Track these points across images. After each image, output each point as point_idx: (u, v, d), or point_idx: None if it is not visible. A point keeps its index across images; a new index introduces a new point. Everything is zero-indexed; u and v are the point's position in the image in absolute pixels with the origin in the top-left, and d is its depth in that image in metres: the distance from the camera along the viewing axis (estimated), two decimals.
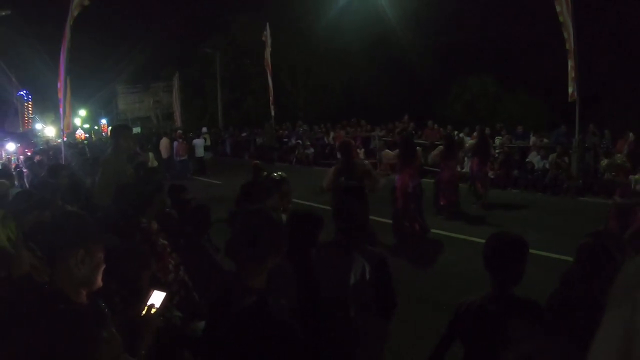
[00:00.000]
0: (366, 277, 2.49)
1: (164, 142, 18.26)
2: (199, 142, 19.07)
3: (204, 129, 22.94)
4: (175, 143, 17.73)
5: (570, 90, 11.46)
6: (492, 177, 13.12)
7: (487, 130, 14.89)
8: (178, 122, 28.50)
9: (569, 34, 11.31)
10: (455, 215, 9.50)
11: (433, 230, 8.34)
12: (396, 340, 2.89)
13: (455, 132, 16.46)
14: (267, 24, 20.34)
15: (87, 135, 36.25)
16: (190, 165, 18.10)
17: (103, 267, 1.87)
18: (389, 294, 2.58)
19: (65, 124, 11.60)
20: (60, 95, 10.93)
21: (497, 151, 14.14)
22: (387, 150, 8.76)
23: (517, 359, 1.34)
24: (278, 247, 1.94)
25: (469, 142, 11.69)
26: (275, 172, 3.55)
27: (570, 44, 11.36)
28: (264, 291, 1.86)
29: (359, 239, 2.62)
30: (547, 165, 12.81)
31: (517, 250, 2.22)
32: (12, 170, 10.56)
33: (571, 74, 11.45)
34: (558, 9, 11.44)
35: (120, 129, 5.54)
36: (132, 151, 6.24)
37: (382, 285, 2.54)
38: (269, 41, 20.30)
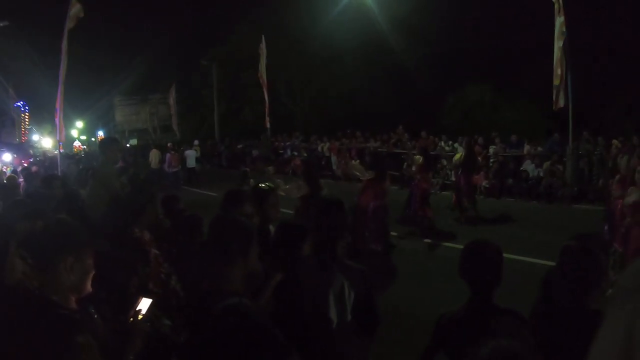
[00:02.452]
0: (345, 294, 2.43)
1: (153, 153, 18.74)
2: (190, 153, 19.71)
3: (196, 142, 23.48)
4: (167, 155, 18.03)
5: (561, 100, 11.45)
6: (486, 186, 13.19)
7: (481, 140, 14.98)
8: (177, 134, 28.68)
9: (562, 41, 11.28)
10: (448, 225, 9.57)
11: (434, 241, 8.35)
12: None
13: (450, 142, 16.56)
14: (263, 36, 20.46)
15: (84, 147, 36.37)
16: (182, 175, 18.32)
17: (92, 273, 1.89)
18: (370, 309, 2.50)
19: (60, 135, 11.69)
20: (57, 105, 11.00)
21: (491, 160, 14.20)
22: (355, 164, 8.60)
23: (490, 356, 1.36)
24: (248, 249, 1.96)
25: (455, 157, 11.69)
26: (264, 183, 3.55)
27: (561, 52, 11.33)
28: (241, 294, 1.88)
29: (336, 254, 2.56)
30: (541, 174, 12.86)
31: (493, 257, 2.25)
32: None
33: (557, 81, 11.41)
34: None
35: (106, 142, 5.90)
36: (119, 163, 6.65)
37: (363, 300, 2.47)
38: (264, 53, 20.41)
